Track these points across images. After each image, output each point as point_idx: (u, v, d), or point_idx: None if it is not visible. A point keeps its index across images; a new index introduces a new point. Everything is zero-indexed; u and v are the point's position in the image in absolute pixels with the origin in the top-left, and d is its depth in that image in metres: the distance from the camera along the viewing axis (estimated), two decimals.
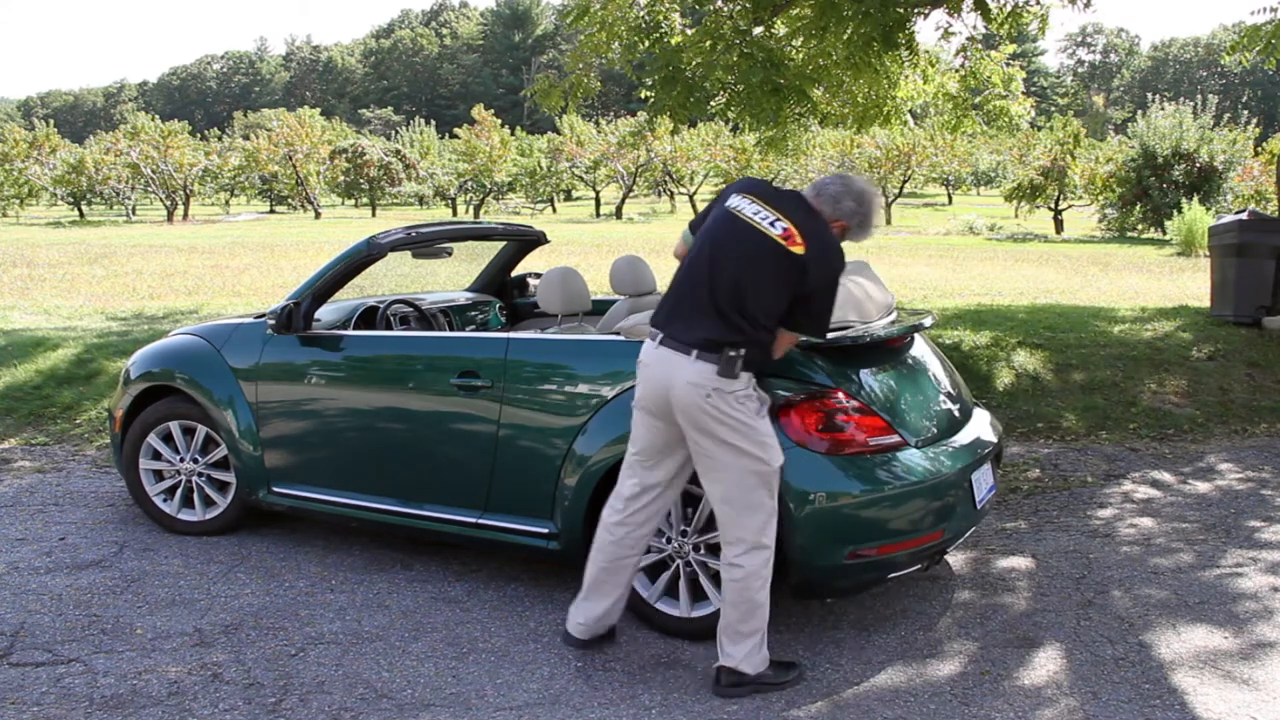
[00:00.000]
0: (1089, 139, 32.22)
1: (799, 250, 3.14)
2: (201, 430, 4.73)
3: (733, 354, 3.15)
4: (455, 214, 40.36)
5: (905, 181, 36.43)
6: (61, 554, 4.53)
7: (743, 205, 3.26)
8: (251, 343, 4.62)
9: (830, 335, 3.65)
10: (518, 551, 4.06)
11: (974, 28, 8.44)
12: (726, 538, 3.28)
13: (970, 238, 24.93)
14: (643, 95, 8.48)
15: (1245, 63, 9.60)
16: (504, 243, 5.73)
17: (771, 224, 3.18)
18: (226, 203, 44.45)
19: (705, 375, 3.16)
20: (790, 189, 3.34)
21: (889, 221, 32.03)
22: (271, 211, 42.47)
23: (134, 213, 39.67)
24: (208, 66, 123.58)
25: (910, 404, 3.80)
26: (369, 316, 4.95)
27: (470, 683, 3.40)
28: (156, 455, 4.82)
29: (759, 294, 3.17)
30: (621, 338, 3.93)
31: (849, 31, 7.28)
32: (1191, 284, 12.89)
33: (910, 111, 9.55)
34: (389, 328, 4.94)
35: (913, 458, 3.61)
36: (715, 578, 3.64)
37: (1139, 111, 26.93)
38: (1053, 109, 73.50)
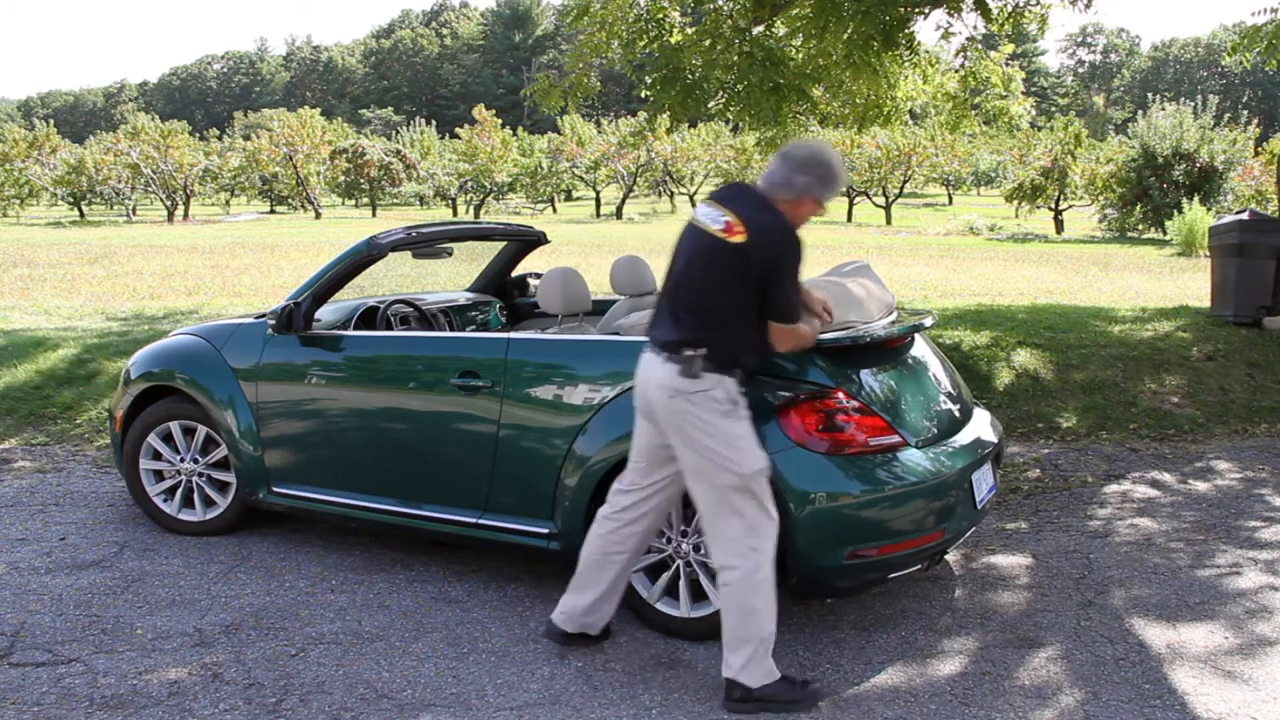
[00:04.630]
0: (1090, 139, 32.20)
1: (739, 239, 3.13)
2: (202, 430, 4.73)
3: (690, 354, 3.17)
4: (455, 214, 40.35)
5: (905, 182, 36.42)
6: (62, 554, 4.53)
7: (698, 213, 3.31)
8: (252, 343, 4.62)
9: (830, 335, 3.65)
10: (518, 551, 4.06)
11: (974, 28, 8.45)
12: (710, 543, 3.28)
13: (970, 238, 24.94)
14: (643, 94, 8.48)
15: (1246, 63, 9.61)
16: (504, 243, 5.73)
17: (714, 220, 3.21)
18: (227, 203, 44.43)
19: (670, 377, 3.20)
20: (748, 185, 3.34)
21: (889, 221, 32.04)
22: (272, 212, 42.47)
23: (134, 213, 39.66)
24: (208, 66, 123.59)
25: (910, 404, 3.80)
26: (369, 316, 4.95)
27: (470, 683, 3.40)
28: (157, 455, 4.82)
29: (706, 290, 3.20)
30: (621, 337, 3.93)
31: (849, 30, 7.28)
32: (1192, 284, 12.89)
33: (910, 111, 9.54)
34: (389, 328, 4.94)
35: (913, 458, 3.61)
36: (716, 578, 3.64)
37: (1139, 112, 26.94)
38: (1053, 109, 73.53)
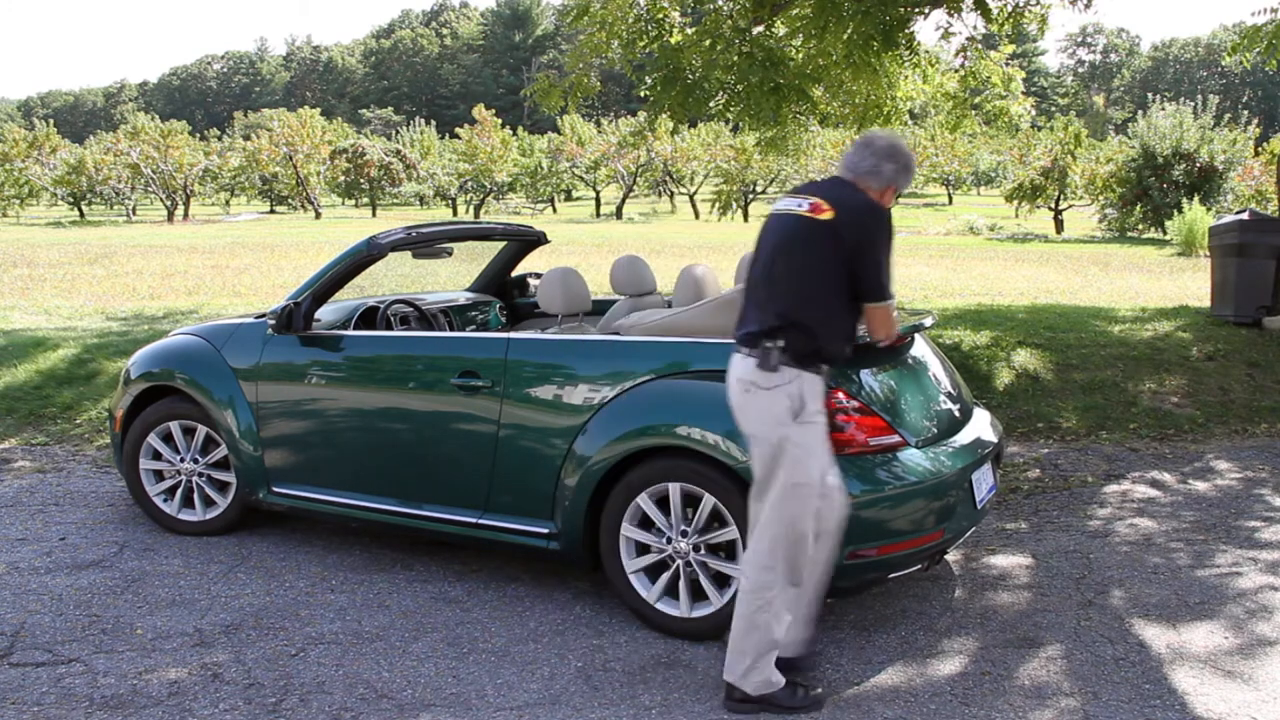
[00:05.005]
0: (1090, 139, 32.19)
1: (826, 216, 3.07)
2: (201, 430, 4.73)
3: (769, 345, 3.07)
4: (455, 214, 40.35)
5: None
6: (61, 554, 4.53)
7: (777, 205, 3.27)
8: (252, 343, 4.62)
9: None
10: (518, 551, 4.06)
11: (974, 28, 8.45)
12: (748, 541, 3.21)
13: (970, 238, 24.93)
14: (643, 94, 8.49)
15: (1246, 63, 9.61)
16: (504, 243, 5.73)
17: (799, 204, 3.16)
18: (227, 203, 44.42)
19: (746, 369, 3.12)
20: (828, 177, 3.28)
21: None
22: (272, 211, 42.47)
23: (134, 213, 39.66)
24: (208, 66, 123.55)
25: (910, 404, 3.80)
26: (369, 316, 4.95)
27: (470, 683, 3.40)
28: (157, 455, 4.82)
29: (793, 275, 3.10)
30: (621, 337, 3.93)
31: (849, 30, 7.28)
32: (1192, 284, 12.89)
33: (910, 111, 9.55)
34: (389, 328, 4.94)
35: (913, 458, 3.61)
36: (715, 578, 3.64)
37: (1139, 111, 26.92)
38: (1053, 109, 73.51)
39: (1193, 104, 24.11)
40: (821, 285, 3.09)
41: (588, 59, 8.58)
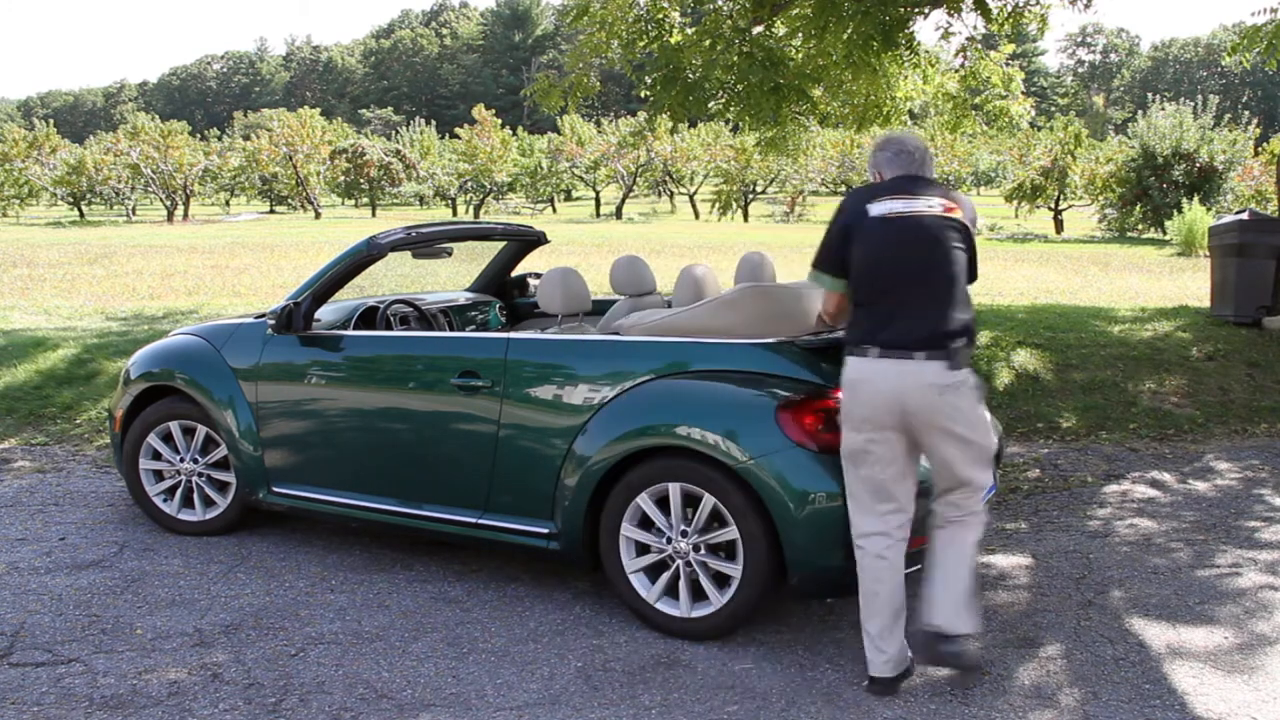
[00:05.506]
0: (1089, 139, 32.19)
1: (959, 214, 3.27)
2: (201, 430, 4.73)
3: (955, 345, 3.18)
4: (455, 214, 40.35)
5: None
6: (61, 554, 4.53)
7: (894, 206, 3.24)
8: (252, 343, 4.62)
9: (830, 336, 3.65)
10: (518, 551, 4.06)
11: (974, 28, 8.46)
12: (941, 504, 3.41)
13: None
14: (643, 94, 8.49)
15: (1246, 63, 9.62)
16: (504, 243, 5.73)
17: (930, 205, 3.25)
18: (226, 203, 44.42)
19: (938, 374, 3.16)
20: (905, 176, 3.33)
21: None
22: (271, 211, 42.46)
23: (134, 213, 39.65)
24: (208, 66, 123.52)
25: None
26: (369, 316, 4.95)
27: (470, 683, 3.40)
28: (156, 455, 4.82)
29: (959, 271, 3.25)
30: (621, 337, 3.94)
31: (849, 30, 7.28)
32: (1191, 284, 12.89)
33: (910, 111, 9.55)
34: (389, 328, 4.94)
35: None
36: (715, 578, 3.64)
37: (1139, 112, 26.92)
38: (1053, 109, 73.50)
39: (1193, 104, 24.11)
40: (966, 280, 3.30)
41: (588, 59, 8.57)
